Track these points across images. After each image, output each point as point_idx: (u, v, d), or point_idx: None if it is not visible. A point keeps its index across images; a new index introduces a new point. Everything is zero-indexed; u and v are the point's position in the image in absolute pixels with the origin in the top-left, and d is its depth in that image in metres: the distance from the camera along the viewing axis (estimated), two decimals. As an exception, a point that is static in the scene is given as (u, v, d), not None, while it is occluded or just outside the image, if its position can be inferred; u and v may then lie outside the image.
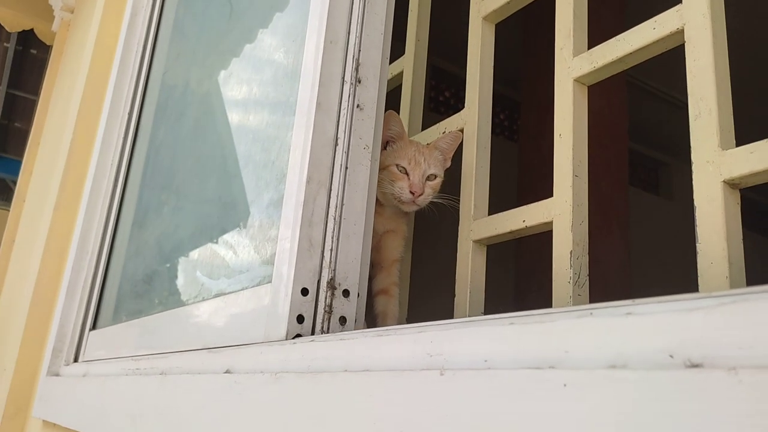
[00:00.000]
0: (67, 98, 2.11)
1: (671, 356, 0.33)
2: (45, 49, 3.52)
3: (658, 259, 3.58)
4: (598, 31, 2.25)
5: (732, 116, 0.64)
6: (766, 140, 0.58)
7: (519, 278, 2.51)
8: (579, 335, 0.38)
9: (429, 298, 1.26)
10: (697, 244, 0.61)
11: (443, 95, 3.79)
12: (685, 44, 0.67)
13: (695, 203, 0.62)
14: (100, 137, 1.57)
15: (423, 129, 1.12)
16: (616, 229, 2.47)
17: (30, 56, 3.95)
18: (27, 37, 3.67)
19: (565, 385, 0.34)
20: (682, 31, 0.67)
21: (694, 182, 0.63)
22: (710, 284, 0.59)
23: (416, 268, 1.10)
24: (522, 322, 0.42)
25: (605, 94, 2.36)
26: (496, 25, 1.00)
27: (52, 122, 2.66)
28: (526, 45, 2.86)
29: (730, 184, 0.60)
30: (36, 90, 3.64)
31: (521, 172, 2.76)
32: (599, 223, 2.32)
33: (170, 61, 1.48)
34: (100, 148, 1.55)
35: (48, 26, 3.21)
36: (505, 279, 2.46)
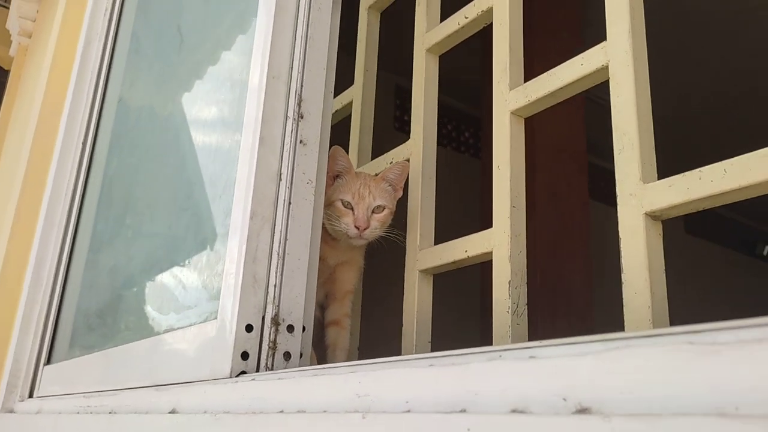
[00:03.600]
0: (23, 126, 2.08)
1: (565, 399, 0.34)
2: (4, 74, 3.47)
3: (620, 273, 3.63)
4: (555, 50, 2.27)
5: (654, 150, 0.66)
6: (682, 174, 0.61)
7: (482, 307, 2.52)
8: (488, 378, 0.39)
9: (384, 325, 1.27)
10: (622, 275, 0.63)
11: (408, 114, 3.84)
12: (610, 80, 0.70)
13: (620, 235, 0.65)
14: (54, 167, 1.55)
15: (385, 149, 1.12)
16: (578, 244, 2.51)
17: (-12, 80, 3.88)
18: (-16, 61, 3.61)
19: (468, 430, 0.36)
20: (607, 67, 0.71)
21: (618, 214, 0.65)
22: (634, 314, 0.61)
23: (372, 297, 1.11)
24: (441, 363, 0.44)
25: (564, 113, 2.41)
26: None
27: (8, 150, 2.61)
28: (485, 60, 2.91)
29: (652, 216, 0.63)
30: (-6, 115, 3.57)
31: (483, 188, 2.80)
32: (561, 239, 2.36)
33: (124, 90, 1.48)
34: (54, 178, 1.53)
35: (5, 50, 3.16)
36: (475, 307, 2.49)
